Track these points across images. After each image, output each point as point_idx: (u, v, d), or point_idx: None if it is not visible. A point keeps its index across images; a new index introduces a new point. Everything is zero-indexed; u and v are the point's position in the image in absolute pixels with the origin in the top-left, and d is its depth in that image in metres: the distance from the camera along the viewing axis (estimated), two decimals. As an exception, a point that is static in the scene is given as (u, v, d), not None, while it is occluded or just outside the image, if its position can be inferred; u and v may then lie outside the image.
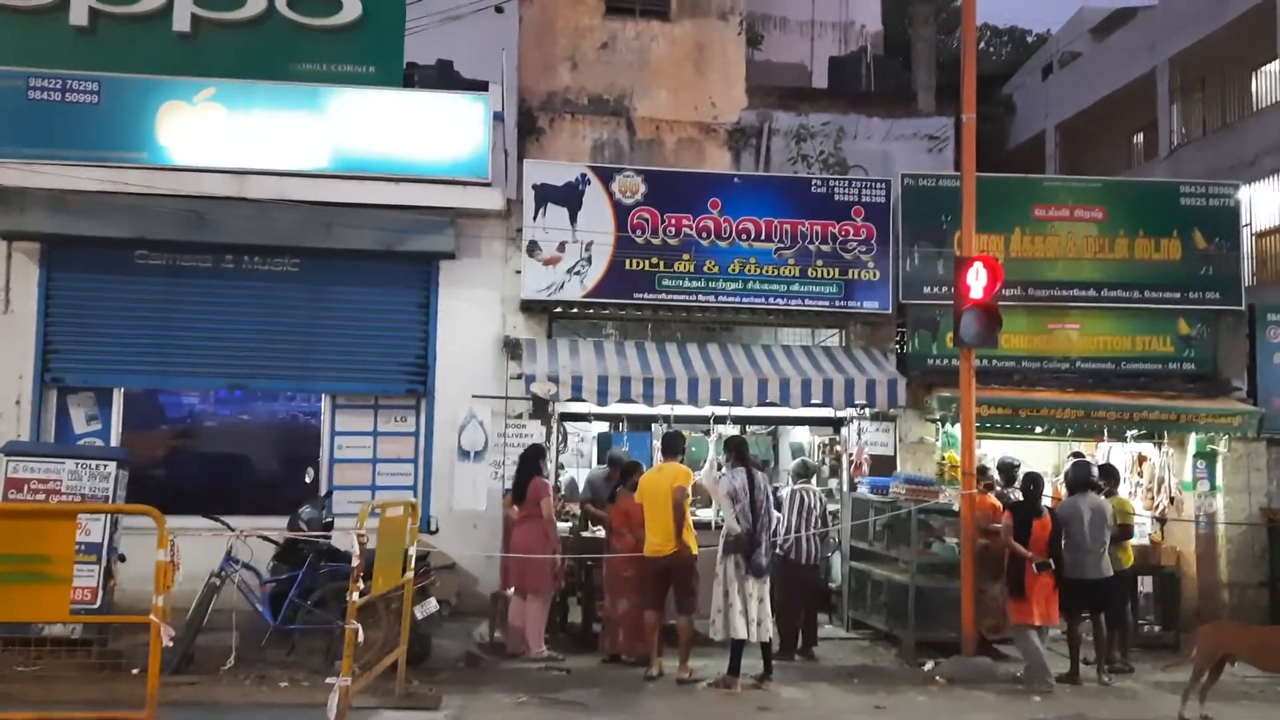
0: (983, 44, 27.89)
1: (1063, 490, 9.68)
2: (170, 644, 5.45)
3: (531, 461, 9.03)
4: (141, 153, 9.96)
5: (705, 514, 9.97)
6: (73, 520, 5.82)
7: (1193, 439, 11.35)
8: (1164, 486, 11.19)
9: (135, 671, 7.06)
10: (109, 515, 8.09)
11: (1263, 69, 16.85)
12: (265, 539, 8.42)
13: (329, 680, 6.18)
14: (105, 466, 8.31)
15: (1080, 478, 9.09)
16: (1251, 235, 14.83)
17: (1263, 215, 15.65)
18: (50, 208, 9.86)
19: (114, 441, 10.19)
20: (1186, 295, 11.48)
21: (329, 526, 8.67)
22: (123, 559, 8.19)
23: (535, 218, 10.55)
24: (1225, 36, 16.61)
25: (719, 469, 10.64)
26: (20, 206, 9.87)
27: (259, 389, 10.66)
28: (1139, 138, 20.88)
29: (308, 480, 9.74)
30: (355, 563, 6.10)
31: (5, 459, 8.13)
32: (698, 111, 12.78)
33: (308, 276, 10.54)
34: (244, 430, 11.04)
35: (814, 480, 9.83)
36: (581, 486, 10.59)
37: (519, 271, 10.60)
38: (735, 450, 8.34)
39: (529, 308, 10.73)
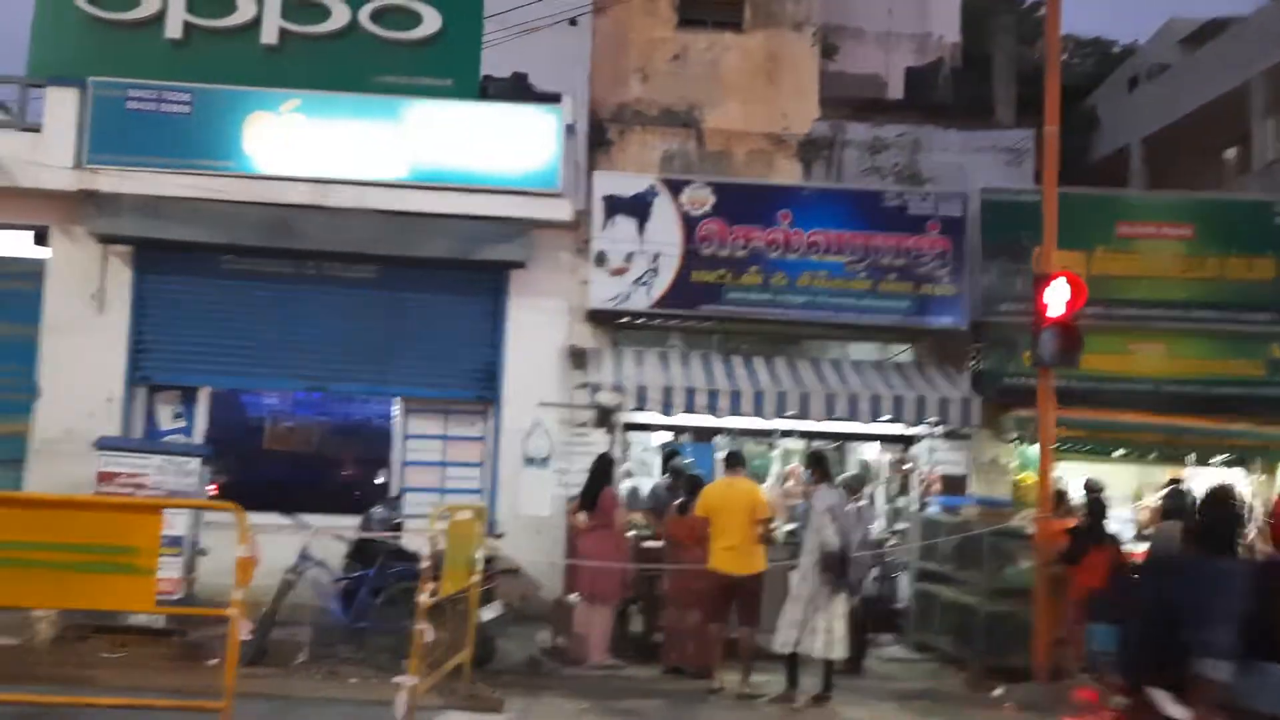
0: (1066, 55, 27.26)
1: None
2: (248, 637, 5.59)
3: (603, 471, 9.08)
4: (229, 161, 10.33)
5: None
6: (158, 514, 6.04)
7: (1282, 466, 10.94)
8: (1252, 514, 10.79)
9: (212, 662, 7.28)
10: (193, 510, 8.37)
11: (1363, 83, 16.19)
12: (339, 538, 8.61)
13: (397, 679, 6.29)
14: (190, 463, 8.62)
15: (1177, 505, 8.81)
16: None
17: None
18: (143, 213, 10.25)
19: (198, 439, 10.54)
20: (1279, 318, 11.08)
21: (399, 527, 8.83)
22: (204, 553, 8.46)
23: (604, 228, 10.66)
24: (1324, 49, 16.00)
25: (785, 482, 10.62)
26: (116, 211, 10.28)
27: (336, 391, 10.93)
28: (1230, 153, 20.18)
29: (380, 481, 9.94)
30: (425, 564, 6.21)
31: (98, 453, 8.48)
32: (769, 123, 12.73)
33: (384, 283, 10.80)
34: (321, 431, 11.34)
35: (864, 496, 9.70)
36: (640, 495, 10.62)
37: (586, 282, 10.71)
38: (819, 466, 8.24)
39: (596, 318, 10.82)
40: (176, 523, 8.18)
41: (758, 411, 9.99)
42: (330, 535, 8.47)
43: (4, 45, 11.16)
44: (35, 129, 10.41)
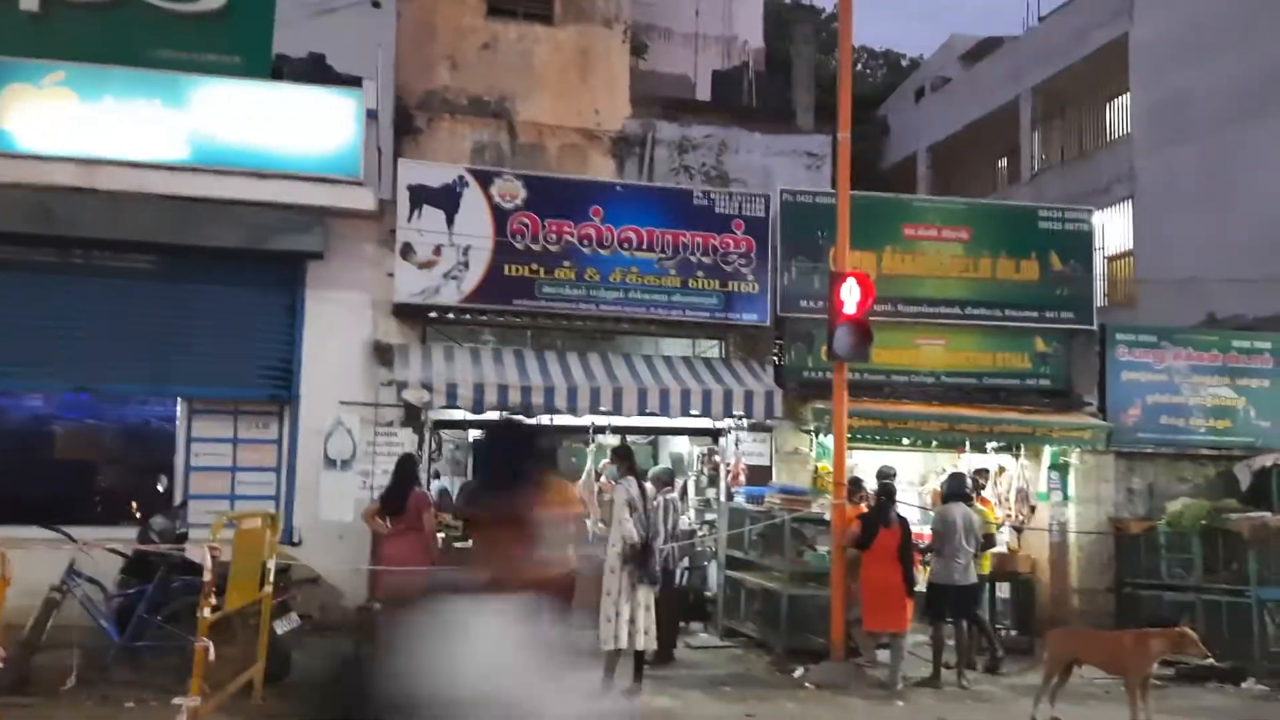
0: (859, 65, 28.81)
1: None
2: (1, 665, 5.07)
3: (408, 472, 8.80)
4: (-17, 138, 9.29)
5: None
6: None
7: (1047, 451, 11.89)
8: (1022, 496, 11.69)
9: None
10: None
11: (1116, 100, 17.89)
12: (113, 551, 7.93)
13: (177, 700, 5.86)
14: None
15: (955, 489, 9.42)
16: (1104, 259, 15.68)
17: (1114, 240, 16.58)
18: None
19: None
20: (1043, 315, 12.02)
21: (183, 538, 8.24)
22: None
23: (410, 219, 10.30)
24: (1084, 68, 17.58)
25: (598, 478, 10.63)
26: None
27: (109, 392, 10.03)
28: (1004, 162, 21.89)
29: (160, 489, 9.24)
30: (207, 577, 5.80)
31: None
32: (581, 118, 12.74)
33: (164, 274, 9.99)
34: (92, 436, 10.39)
35: (675, 488, 9.87)
36: (455, 496, 10.38)
37: (392, 274, 10.32)
38: (624, 458, 8.30)
39: (402, 312, 10.44)
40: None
41: (571, 408, 9.94)
42: (102, 549, 7.76)
43: None
44: None
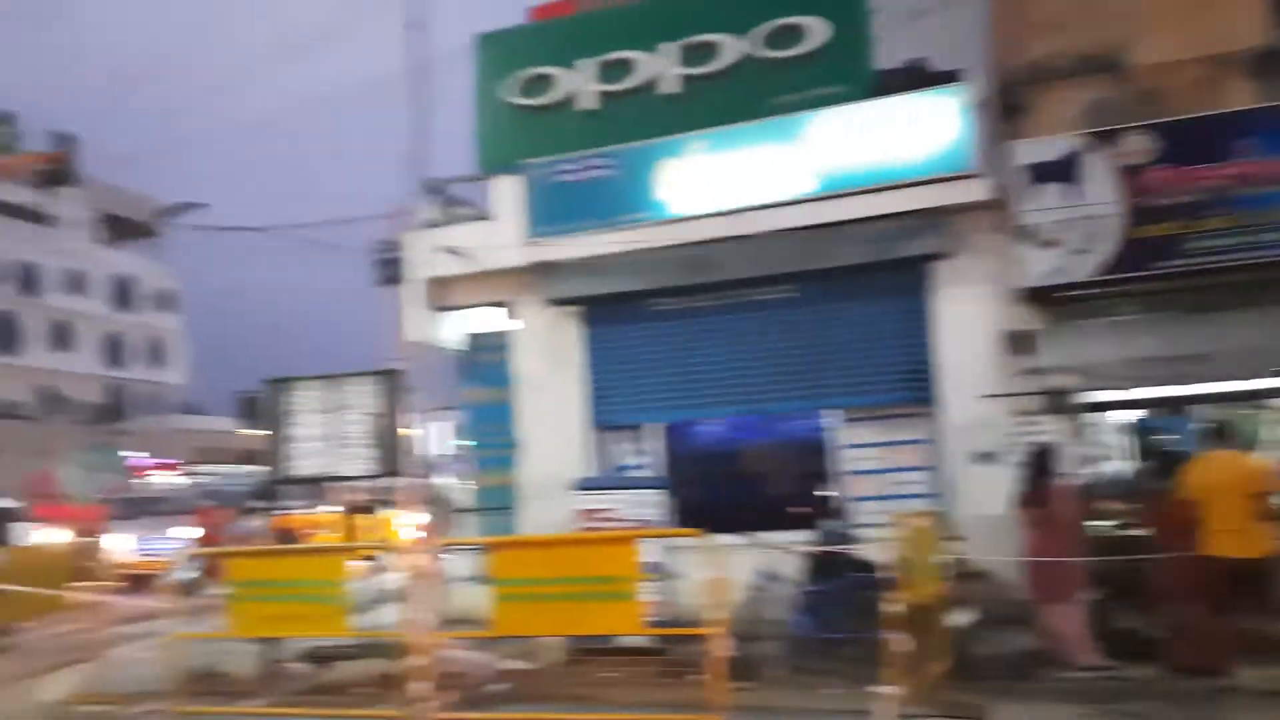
0: None
1: None
2: (729, 654, 5.88)
3: (1044, 462, 8.44)
4: (650, 211, 11.03)
5: None
6: (632, 544, 6.58)
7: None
8: None
9: (693, 678, 7.73)
10: (660, 538, 9.02)
11: None
12: (794, 552, 8.78)
13: (872, 689, 6.25)
14: (651, 494, 9.35)
15: None
16: None
17: None
18: (584, 274, 11.32)
19: (655, 472, 11.33)
20: None
21: (852, 539, 8.82)
22: (673, 576, 9.06)
23: (1030, 200, 9.86)
24: None
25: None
26: (561, 277, 11.48)
27: (773, 412, 11.19)
28: None
29: (824, 495, 9.99)
30: (888, 574, 6.13)
31: (575, 493, 9.47)
32: (1206, 44, 11.02)
33: (804, 300, 10.91)
34: (764, 451, 11.64)
35: None
36: (1112, 482, 9.63)
37: (1017, 261, 9.97)
38: None
39: (1031, 297, 9.99)
40: (648, 550, 8.83)
41: (1235, 374, 8.62)
42: (786, 551, 8.66)
43: (457, 151, 12.95)
44: (488, 217, 12.00)
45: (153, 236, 43.81)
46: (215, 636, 8.85)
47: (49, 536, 18.65)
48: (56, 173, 21.18)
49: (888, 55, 10.88)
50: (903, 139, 10.19)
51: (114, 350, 54.03)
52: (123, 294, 54.46)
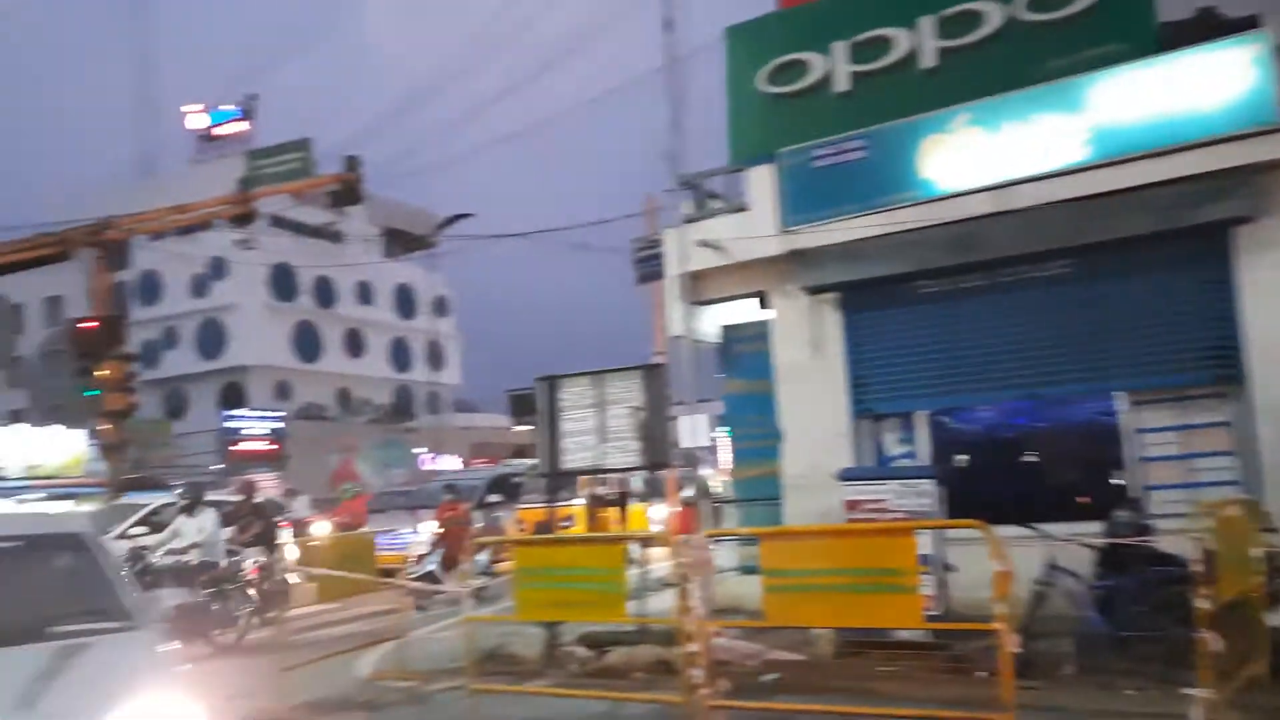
0: None
1: None
2: (1017, 650, 5.65)
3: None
4: (910, 191, 10.69)
5: None
6: (912, 535, 6.44)
7: None
8: None
9: (980, 675, 7.44)
10: (937, 528, 8.74)
11: None
12: (1085, 545, 8.26)
13: (1184, 691, 5.80)
14: (922, 484, 9.07)
15: None
16: None
17: None
18: (842, 260, 11.13)
19: (922, 460, 10.98)
20: None
21: (1146, 529, 8.19)
22: (950, 569, 8.75)
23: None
24: None
25: None
26: (818, 264, 11.34)
27: (1049, 395, 10.54)
28: None
29: (1115, 483, 9.32)
30: (1196, 567, 5.66)
31: (841, 484, 9.35)
32: None
33: (1080, 276, 10.19)
34: (1041, 438, 11.04)
35: None
36: None
37: (1337, 220, 8.84)
38: None
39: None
40: (922, 542, 8.58)
41: None
42: (1076, 543, 8.15)
43: (711, 145, 13.14)
44: (743, 208, 12.06)
45: (430, 248, 47.54)
46: (503, 620, 9.49)
47: (318, 530, 20.62)
48: (346, 193, 23.46)
49: (1170, 6, 9.95)
50: (1189, 97, 9.31)
51: (399, 354, 59.26)
52: (405, 302, 59.61)
